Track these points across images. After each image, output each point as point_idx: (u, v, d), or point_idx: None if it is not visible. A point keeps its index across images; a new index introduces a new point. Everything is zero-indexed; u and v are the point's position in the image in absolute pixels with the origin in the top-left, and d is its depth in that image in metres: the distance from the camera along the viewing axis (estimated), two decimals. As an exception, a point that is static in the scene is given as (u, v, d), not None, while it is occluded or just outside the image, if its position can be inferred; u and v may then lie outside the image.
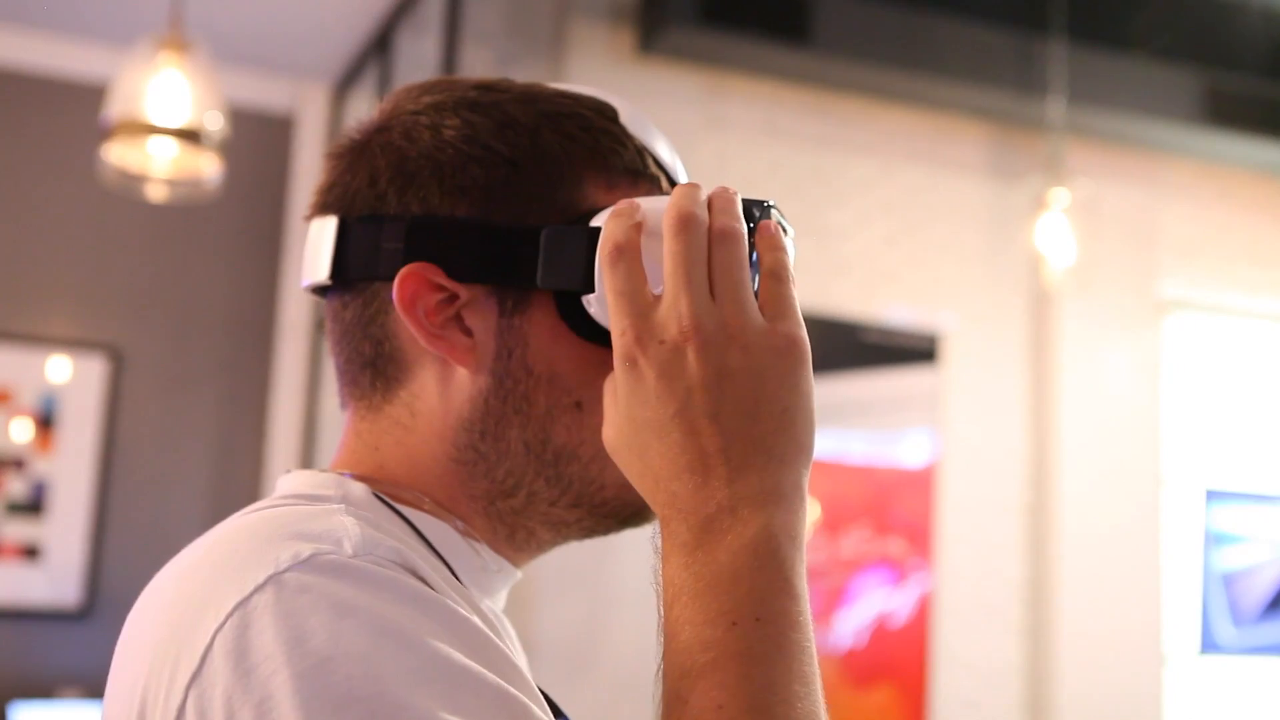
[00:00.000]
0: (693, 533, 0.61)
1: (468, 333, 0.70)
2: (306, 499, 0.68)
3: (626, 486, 0.71)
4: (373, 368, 0.73)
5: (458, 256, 0.69)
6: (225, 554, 0.60)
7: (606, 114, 0.75)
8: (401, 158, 0.72)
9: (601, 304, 0.68)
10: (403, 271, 0.69)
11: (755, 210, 0.68)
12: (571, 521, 0.74)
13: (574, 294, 0.69)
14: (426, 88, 0.75)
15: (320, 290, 0.76)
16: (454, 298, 0.70)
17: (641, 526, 0.75)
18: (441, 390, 0.72)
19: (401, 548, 0.60)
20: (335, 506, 0.65)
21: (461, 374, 0.71)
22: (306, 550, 0.58)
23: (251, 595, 0.56)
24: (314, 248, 0.74)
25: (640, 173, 0.74)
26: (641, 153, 0.74)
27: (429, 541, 0.70)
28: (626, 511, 0.74)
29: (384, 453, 0.73)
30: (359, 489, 0.70)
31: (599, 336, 0.70)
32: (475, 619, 0.59)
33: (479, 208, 0.70)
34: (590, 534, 0.76)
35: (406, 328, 0.71)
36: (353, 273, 0.72)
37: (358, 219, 0.72)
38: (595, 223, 0.69)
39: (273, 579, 0.56)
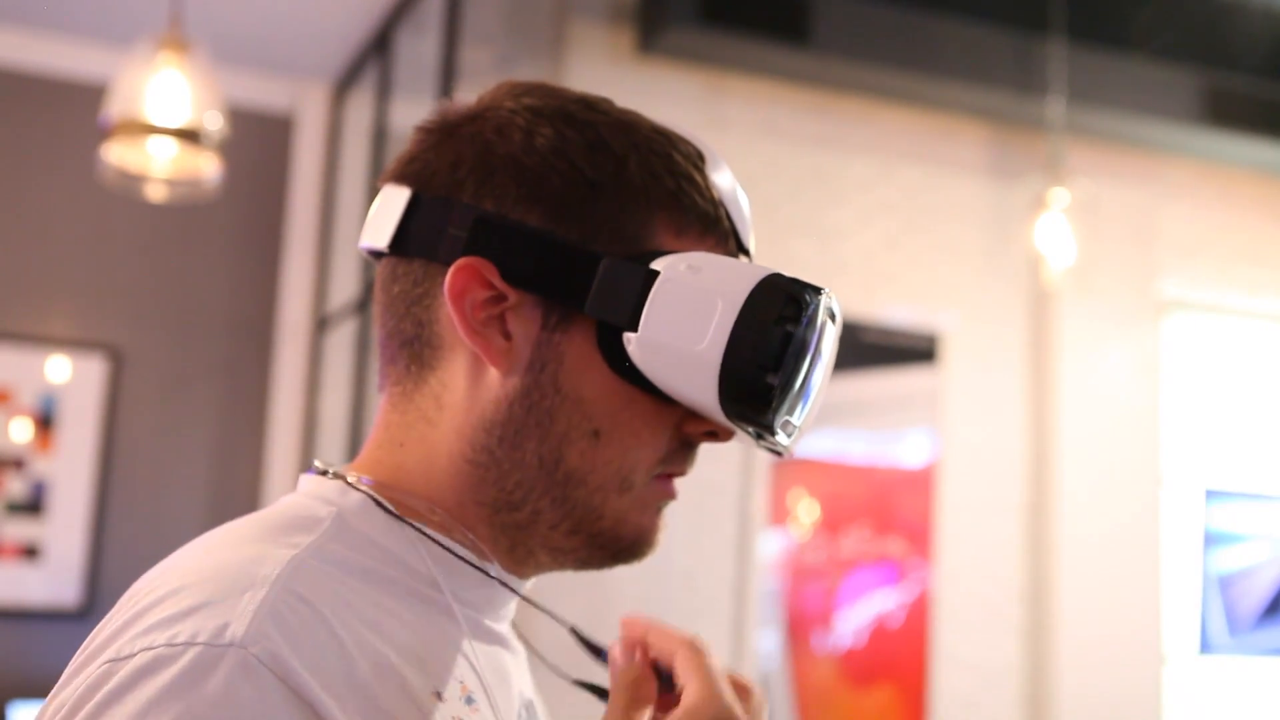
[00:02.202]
0: None
1: (507, 336, 0.71)
2: (290, 523, 0.69)
3: (622, 521, 0.72)
4: (409, 348, 0.74)
5: (516, 261, 0.70)
6: (147, 601, 0.63)
7: (694, 159, 0.75)
8: (488, 151, 0.72)
9: (642, 346, 0.69)
10: (460, 262, 0.70)
11: (807, 294, 0.69)
12: (568, 550, 0.74)
13: (616, 328, 0.70)
14: (530, 89, 0.75)
15: (375, 254, 0.77)
16: (501, 299, 0.71)
17: (632, 563, 0.76)
18: (470, 386, 0.72)
19: (282, 651, 0.59)
20: (280, 561, 0.64)
21: (492, 374, 0.72)
22: (182, 636, 0.59)
23: (108, 663, 0.59)
24: (381, 213, 0.75)
25: (711, 226, 0.74)
26: (718, 205, 0.75)
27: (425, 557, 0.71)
28: (620, 545, 0.74)
29: (407, 450, 0.74)
30: (357, 501, 0.71)
31: (630, 374, 0.71)
32: None
33: (549, 220, 0.71)
34: (584, 565, 0.76)
35: (447, 316, 0.72)
36: (413, 248, 0.73)
37: (431, 197, 0.73)
38: (655, 266, 0.70)
39: (127, 660, 0.59)
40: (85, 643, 0.65)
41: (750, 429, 0.71)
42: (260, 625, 0.60)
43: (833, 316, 0.72)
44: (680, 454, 0.75)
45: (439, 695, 0.66)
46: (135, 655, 0.59)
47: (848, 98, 3.62)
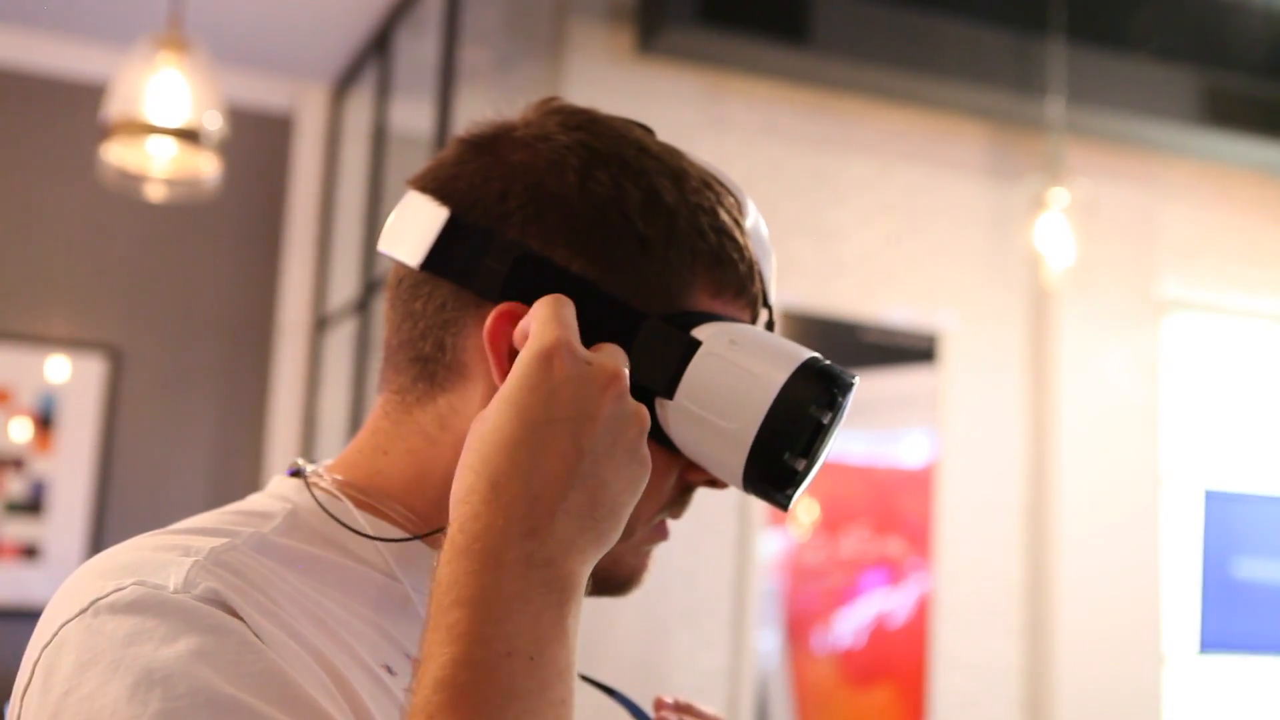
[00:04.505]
0: (503, 542, 0.59)
1: None
2: (244, 515, 0.70)
3: (618, 563, 0.72)
4: (423, 365, 0.73)
5: None
6: (92, 570, 0.64)
7: (735, 213, 0.75)
8: (539, 188, 0.71)
9: (674, 413, 0.69)
10: (502, 308, 0.69)
11: (839, 385, 0.69)
12: None
13: (650, 391, 0.70)
14: (582, 120, 0.74)
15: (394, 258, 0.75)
16: None
17: (613, 596, 0.76)
18: None
19: (221, 589, 0.60)
20: (219, 542, 0.65)
21: None
22: (128, 581, 0.60)
23: (72, 619, 0.60)
24: (410, 223, 0.73)
25: (745, 288, 0.75)
26: (752, 268, 0.75)
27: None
28: (609, 584, 0.74)
29: (391, 459, 0.73)
30: (310, 499, 0.71)
31: (657, 434, 0.70)
32: (269, 654, 0.59)
33: (594, 270, 0.70)
34: None
35: (476, 346, 0.71)
36: (445, 271, 0.71)
37: (472, 223, 0.71)
38: (697, 334, 0.70)
39: (90, 606, 0.60)
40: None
41: (765, 500, 0.71)
42: (195, 574, 0.61)
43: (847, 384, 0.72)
44: (680, 500, 0.76)
45: (389, 669, 0.66)
46: (84, 610, 0.60)
47: (847, 98, 3.62)
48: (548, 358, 0.63)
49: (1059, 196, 3.23)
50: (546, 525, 0.60)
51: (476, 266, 0.70)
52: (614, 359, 0.65)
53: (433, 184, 0.74)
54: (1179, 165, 3.98)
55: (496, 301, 0.69)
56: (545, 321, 0.65)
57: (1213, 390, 4.10)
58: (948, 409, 3.68)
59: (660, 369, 0.69)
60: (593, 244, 0.70)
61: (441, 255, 0.71)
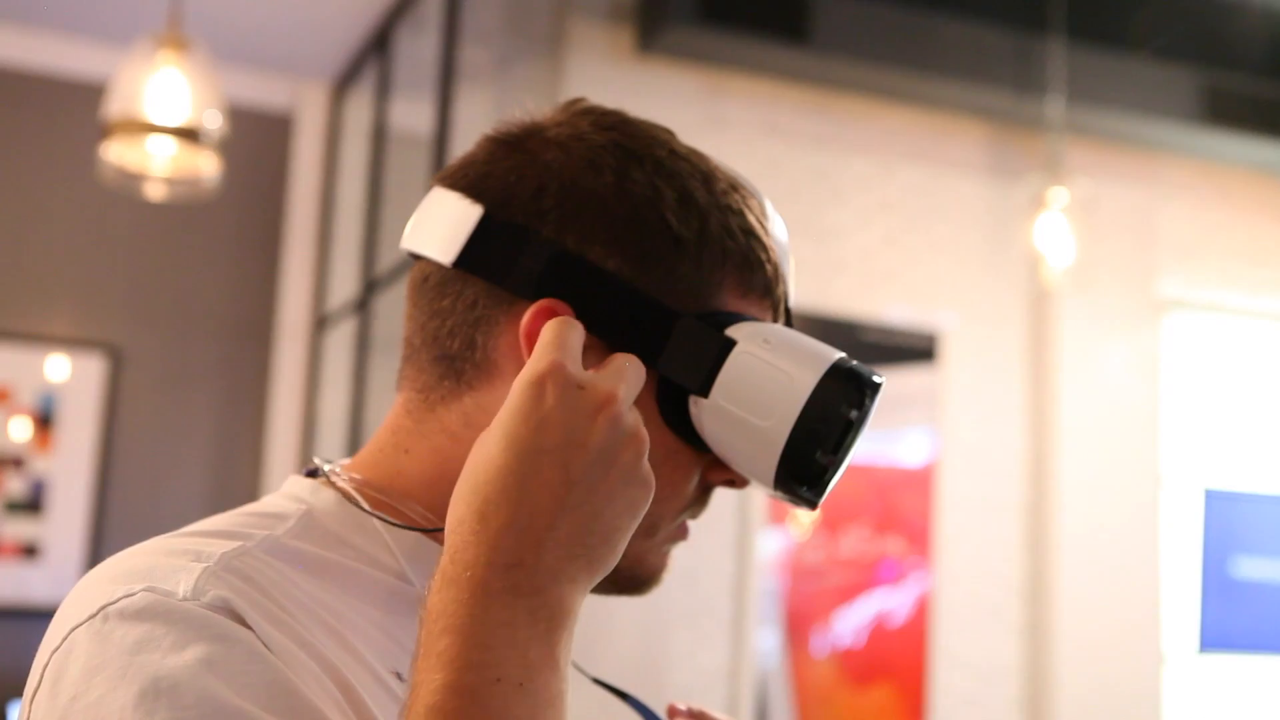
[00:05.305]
0: (490, 572, 0.60)
1: None
2: (258, 516, 0.70)
3: (640, 563, 0.74)
4: (449, 363, 0.72)
5: (591, 305, 0.69)
6: (103, 575, 0.63)
7: (760, 215, 0.76)
8: (575, 186, 0.71)
9: (708, 411, 0.70)
10: (542, 304, 0.69)
11: (870, 384, 0.71)
12: None
13: (683, 388, 0.70)
14: (612, 121, 0.75)
15: (416, 256, 0.75)
16: None
17: (633, 596, 0.77)
18: None
19: (231, 596, 0.61)
20: (232, 545, 0.65)
21: None
22: (137, 588, 0.60)
23: (81, 624, 0.60)
24: (439, 220, 0.73)
25: (770, 290, 0.75)
26: (777, 269, 0.76)
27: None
28: (630, 583, 0.75)
29: (413, 457, 0.73)
30: (329, 498, 0.71)
31: (682, 429, 0.71)
32: (277, 664, 0.59)
33: (630, 269, 0.70)
34: None
35: (509, 345, 0.71)
36: (478, 269, 0.71)
37: (506, 221, 0.71)
38: (732, 334, 0.70)
39: (99, 612, 0.60)
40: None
41: (792, 499, 0.71)
42: (205, 581, 0.61)
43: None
44: (700, 500, 0.76)
45: (399, 675, 0.66)
46: (94, 615, 0.60)
47: (848, 97, 3.62)
48: (540, 384, 0.63)
49: (1059, 196, 3.23)
50: (534, 555, 0.60)
51: (511, 264, 0.70)
52: (611, 380, 0.65)
53: (463, 182, 0.73)
54: (1179, 165, 3.98)
55: (531, 299, 0.69)
56: (543, 345, 0.65)
57: (1213, 390, 4.10)
58: (947, 408, 3.68)
59: (696, 367, 0.70)
60: (628, 242, 0.70)
61: (475, 253, 0.71)
